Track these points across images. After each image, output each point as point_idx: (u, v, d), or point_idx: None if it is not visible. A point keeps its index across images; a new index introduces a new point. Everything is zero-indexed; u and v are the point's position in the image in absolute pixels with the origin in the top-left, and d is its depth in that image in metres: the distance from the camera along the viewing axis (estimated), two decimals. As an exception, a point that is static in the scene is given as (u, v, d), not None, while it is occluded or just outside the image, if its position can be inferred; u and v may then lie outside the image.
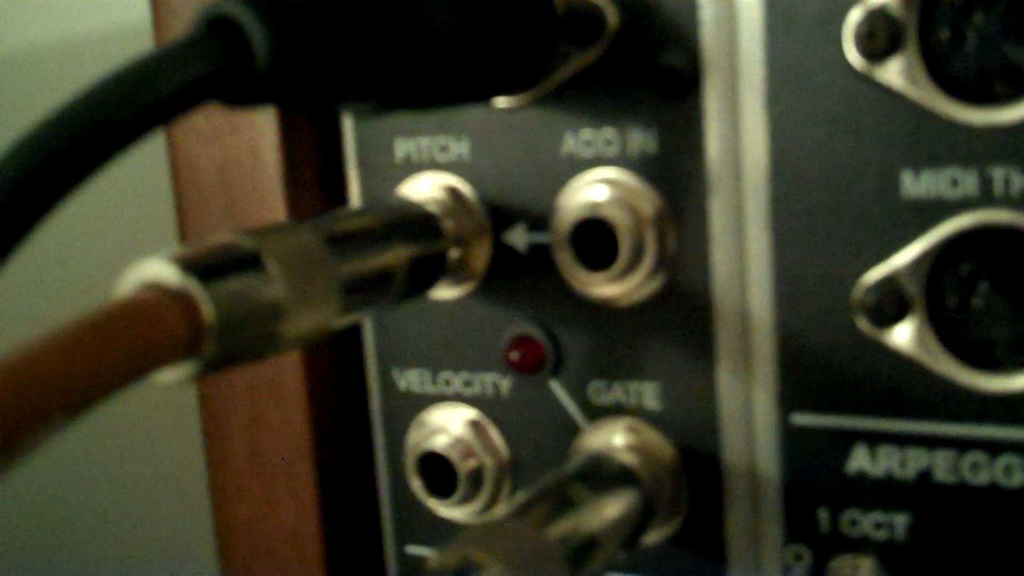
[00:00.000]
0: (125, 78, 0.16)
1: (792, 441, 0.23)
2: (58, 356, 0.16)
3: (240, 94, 0.17)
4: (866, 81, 0.21)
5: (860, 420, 0.23)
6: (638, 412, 0.25)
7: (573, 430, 0.25)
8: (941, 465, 0.22)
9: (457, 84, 0.21)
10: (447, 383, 0.26)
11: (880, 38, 0.20)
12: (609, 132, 0.24)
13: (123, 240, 0.46)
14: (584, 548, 0.22)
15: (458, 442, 0.26)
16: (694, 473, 0.24)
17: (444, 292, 0.26)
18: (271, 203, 0.27)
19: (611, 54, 0.23)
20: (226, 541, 0.29)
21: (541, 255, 0.25)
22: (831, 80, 0.21)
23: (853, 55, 0.21)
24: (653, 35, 0.23)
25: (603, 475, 0.23)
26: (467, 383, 0.26)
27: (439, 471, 0.26)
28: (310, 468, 0.28)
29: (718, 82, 0.22)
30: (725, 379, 0.24)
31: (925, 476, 0.22)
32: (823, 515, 0.23)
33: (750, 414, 0.24)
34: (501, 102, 0.24)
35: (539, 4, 0.23)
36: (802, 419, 0.23)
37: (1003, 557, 0.22)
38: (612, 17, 0.23)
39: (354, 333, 0.28)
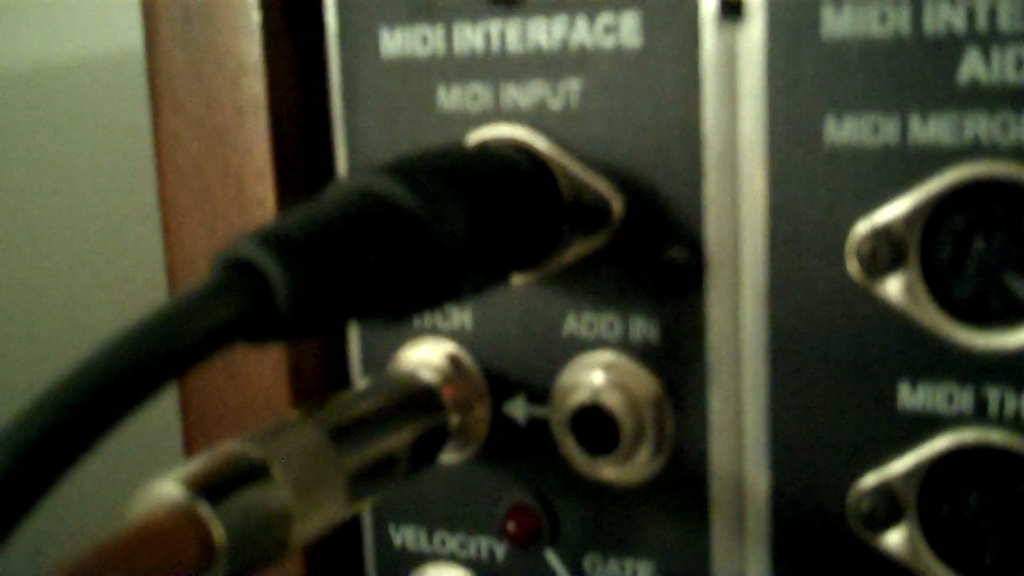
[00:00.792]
0: (154, 325, 0.16)
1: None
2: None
3: (263, 334, 0.17)
4: (866, 294, 0.22)
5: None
6: (632, 583, 0.25)
7: (568, 599, 0.26)
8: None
9: (468, 282, 0.21)
10: (443, 543, 0.27)
11: (882, 255, 0.21)
12: (611, 316, 0.24)
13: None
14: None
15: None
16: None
17: (443, 456, 0.26)
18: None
19: (616, 242, 0.24)
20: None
21: (540, 428, 0.25)
22: (832, 289, 0.22)
23: (855, 269, 0.21)
24: (658, 227, 0.23)
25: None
26: (462, 545, 0.26)
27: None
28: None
29: (721, 279, 0.23)
30: (720, 557, 0.24)
31: None
32: None
33: (743, 595, 0.24)
34: (505, 278, 0.25)
35: (546, 195, 0.23)
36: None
37: None
38: (618, 207, 0.23)
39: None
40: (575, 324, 0.24)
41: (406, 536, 0.27)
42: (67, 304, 0.50)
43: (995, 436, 0.21)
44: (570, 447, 0.24)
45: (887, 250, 0.21)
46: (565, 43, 0.24)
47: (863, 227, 0.21)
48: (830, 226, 0.22)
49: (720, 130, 0.23)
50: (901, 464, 0.22)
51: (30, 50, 0.49)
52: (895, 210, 0.21)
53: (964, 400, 0.21)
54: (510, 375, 0.25)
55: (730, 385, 0.23)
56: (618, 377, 0.24)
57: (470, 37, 0.25)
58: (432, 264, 0.20)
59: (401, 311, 0.20)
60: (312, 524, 0.20)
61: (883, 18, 0.21)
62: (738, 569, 0.24)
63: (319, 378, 0.28)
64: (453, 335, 0.26)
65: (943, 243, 0.21)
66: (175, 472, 0.19)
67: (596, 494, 0.25)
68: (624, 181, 0.24)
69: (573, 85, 0.24)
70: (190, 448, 0.29)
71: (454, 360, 0.25)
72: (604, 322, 0.24)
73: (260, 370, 0.27)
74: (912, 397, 0.22)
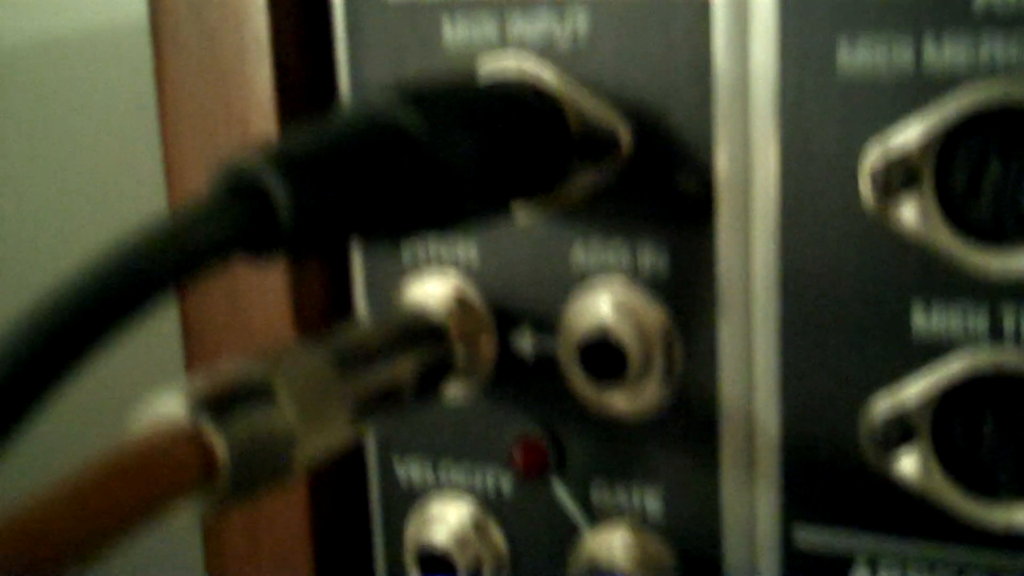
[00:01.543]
0: (154, 236, 0.16)
1: (794, 554, 0.23)
2: (72, 507, 0.16)
3: (263, 250, 0.17)
4: (879, 218, 0.21)
5: (862, 537, 0.23)
6: (640, 516, 0.25)
7: (574, 531, 0.25)
8: (940, 590, 0.22)
9: (471, 210, 0.21)
10: (448, 474, 0.26)
11: (896, 179, 0.21)
12: (620, 247, 0.24)
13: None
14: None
15: (458, 537, 0.26)
16: (694, 582, 0.24)
17: (448, 389, 0.26)
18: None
19: (625, 174, 0.23)
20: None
21: (546, 360, 0.25)
22: (844, 217, 0.22)
23: (868, 194, 0.21)
24: (668, 158, 0.23)
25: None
26: (468, 476, 0.26)
27: (439, 565, 0.26)
28: (308, 557, 0.28)
29: (731, 208, 0.23)
30: (729, 489, 0.24)
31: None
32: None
33: (753, 524, 0.24)
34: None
35: (553, 125, 0.23)
36: (804, 531, 0.23)
37: None
38: (626, 138, 0.23)
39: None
40: (583, 255, 0.24)
41: (411, 468, 0.27)
42: (71, 254, 0.49)
43: (1010, 358, 0.20)
44: (577, 377, 0.24)
45: (901, 174, 0.21)
46: (573, -29, 0.23)
47: (876, 152, 0.21)
48: (843, 153, 0.22)
49: (731, 57, 0.22)
50: (915, 389, 0.21)
51: (31, 25, 0.49)
52: (909, 134, 0.21)
53: (979, 323, 0.21)
54: (517, 308, 0.25)
55: (740, 315, 0.23)
56: (626, 307, 0.23)
57: (476, -33, 0.24)
58: (436, 188, 0.19)
59: (403, 232, 0.20)
60: (313, 447, 0.20)
61: (898, -63, 0.21)
62: (748, 500, 0.24)
63: (322, 311, 0.28)
64: (459, 268, 0.25)
65: (958, 167, 0.21)
66: (176, 388, 0.18)
67: (604, 426, 0.25)
68: (633, 112, 0.23)
69: (580, 15, 0.23)
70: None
71: (459, 292, 0.25)
72: (612, 253, 0.24)
73: (263, 303, 0.27)
74: (926, 321, 0.21)
